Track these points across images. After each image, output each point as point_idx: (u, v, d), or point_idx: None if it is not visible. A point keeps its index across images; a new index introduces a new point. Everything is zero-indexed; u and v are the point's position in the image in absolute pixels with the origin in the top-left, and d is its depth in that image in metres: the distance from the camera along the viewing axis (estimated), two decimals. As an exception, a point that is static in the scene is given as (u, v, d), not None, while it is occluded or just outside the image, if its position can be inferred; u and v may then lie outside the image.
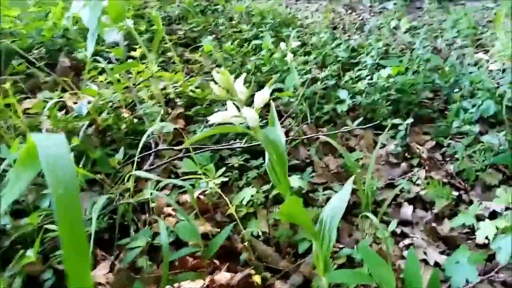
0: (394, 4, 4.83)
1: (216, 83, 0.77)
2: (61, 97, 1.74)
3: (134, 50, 2.06)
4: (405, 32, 3.96)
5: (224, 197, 1.27)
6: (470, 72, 2.74)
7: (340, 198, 0.94)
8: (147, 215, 1.30)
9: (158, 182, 1.43)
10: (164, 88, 2.05)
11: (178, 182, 1.17)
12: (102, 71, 1.91)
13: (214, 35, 3.06)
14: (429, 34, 3.89)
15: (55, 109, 1.54)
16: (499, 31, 3.68)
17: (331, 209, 0.93)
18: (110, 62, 2.08)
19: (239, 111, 0.79)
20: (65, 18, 2.06)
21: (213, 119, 0.78)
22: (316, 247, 0.91)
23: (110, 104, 1.76)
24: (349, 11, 4.78)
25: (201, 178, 1.31)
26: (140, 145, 1.22)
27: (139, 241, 1.08)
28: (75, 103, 1.83)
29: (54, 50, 2.21)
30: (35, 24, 2.26)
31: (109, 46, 2.25)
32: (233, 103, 0.80)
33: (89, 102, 1.72)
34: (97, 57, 2.20)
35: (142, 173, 1.15)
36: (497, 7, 4.80)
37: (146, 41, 2.58)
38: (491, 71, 3.10)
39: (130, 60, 1.96)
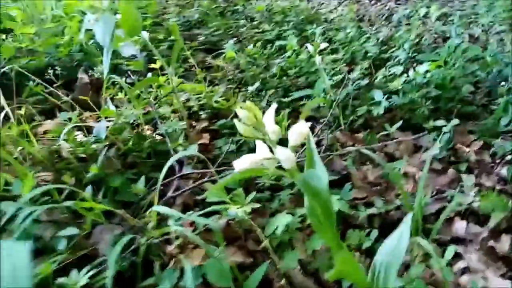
0: (422, -10, 4.58)
1: (241, 121, 0.64)
2: (80, 118, 1.66)
3: (154, 61, 1.96)
4: (436, 20, 3.72)
5: (255, 227, 1.14)
6: (515, 61, 2.50)
7: (396, 243, 0.79)
8: (173, 248, 1.19)
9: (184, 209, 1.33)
10: (187, 101, 1.94)
11: (202, 220, 1.05)
12: (122, 87, 1.81)
13: (235, 38, 2.94)
14: (463, 20, 3.63)
15: (73, 132, 1.46)
16: (540, 12, 3.41)
17: (385, 255, 0.78)
18: (129, 75, 1.98)
19: (271, 150, 0.66)
20: (80, 32, 1.97)
21: (239, 165, 0.65)
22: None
23: (130, 122, 1.66)
24: (374, 1, 4.55)
25: (229, 204, 1.19)
26: (162, 175, 1.11)
27: (163, 286, 0.97)
28: (97, 121, 1.75)
29: (72, 67, 2.13)
30: (52, 41, 2.19)
31: (128, 58, 2.16)
32: (264, 142, 0.66)
33: (109, 121, 1.64)
34: (116, 71, 2.12)
35: (162, 209, 1.04)
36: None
37: (166, 49, 2.49)
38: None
39: (149, 74, 1.87)
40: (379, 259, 0.79)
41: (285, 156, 0.63)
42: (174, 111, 1.80)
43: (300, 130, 0.65)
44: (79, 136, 1.58)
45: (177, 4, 3.37)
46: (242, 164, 0.65)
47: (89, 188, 1.17)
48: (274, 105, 0.66)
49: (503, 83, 2.17)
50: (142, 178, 1.29)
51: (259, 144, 0.68)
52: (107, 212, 1.21)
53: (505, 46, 3.00)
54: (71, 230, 1.07)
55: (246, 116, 0.63)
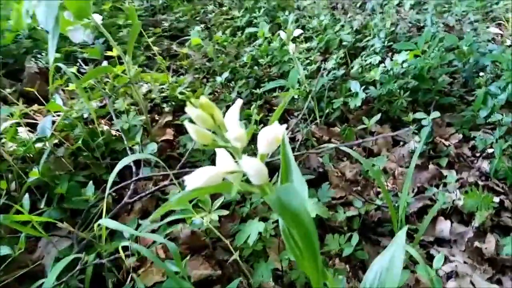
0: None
1: (193, 122, 0.48)
2: (26, 113, 1.46)
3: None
4: (410, 8, 3.65)
5: (223, 239, 1.00)
6: (491, 51, 2.44)
7: (388, 265, 0.66)
8: (129, 263, 1.03)
9: (143, 216, 1.17)
10: (149, 92, 1.77)
11: (155, 237, 0.90)
12: (75, 77, 1.62)
13: (203, 24, 2.77)
14: (437, 9, 3.58)
15: (13, 129, 1.27)
16: (512, 1, 3.39)
17: (376, 278, 0.65)
18: (81, 64, 1.79)
19: (234, 160, 0.51)
20: (27, 15, 1.76)
21: (192, 182, 0.50)
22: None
23: (84, 117, 1.48)
24: (347, -11, 4.44)
25: (193, 213, 1.04)
26: (110, 179, 0.94)
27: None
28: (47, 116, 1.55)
29: (19, 54, 1.91)
30: (-4, 25, 1.96)
31: (83, 45, 1.96)
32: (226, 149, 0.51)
33: (59, 116, 1.45)
34: (69, 60, 1.93)
35: (110, 223, 0.88)
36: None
37: (127, 35, 2.29)
38: (508, 46, 2.80)
39: (105, 62, 1.68)
40: (369, 281, 0.66)
41: (254, 169, 0.48)
42: (133, 104, 1.63)
43: (273, 135, 0.49)
44: (23, 133, 1.38)
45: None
46: (196, 181, 0.49)
47: (26, 197, 0.99)
48: (239, 101, 0.51)
49: (481, 73, 2.10)
50: (90, 183, 1.12)
51: (219, 152, 0.53)
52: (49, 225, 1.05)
53: (479, 36, 2.94)
54: (3, 249, 0.90)
55: (200, 116, 0.47)
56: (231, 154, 0.52)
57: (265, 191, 0.50)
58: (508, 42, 2.92)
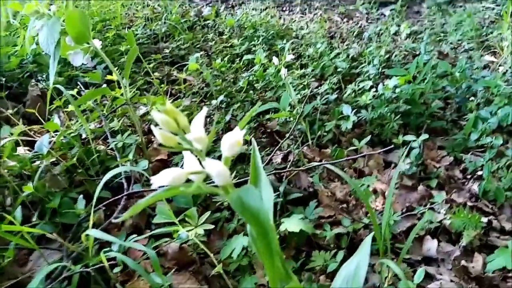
0: (391, 10, 4.64)
1: (158, 126, 0.53)
2: (25, 132, 1.52)
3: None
4: (407, 37, 3.75)
5: (208, 251, 1.02)
6: (483, 77, 2.50)
7: (354, 271, 0.68)
8: (116, 276, 1.06)
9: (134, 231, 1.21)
10: (146, 114, 1.83)
11: (145, 249, 0.93)
12: (74, 98, 1.68)
13: (203, 52, 2.86)
14: (433, 38, 3.67)
15: (10, 146, 1.31)
16: (505, 31, 3.47)
17: (342, 283, 0.68)
18: (81, 87, 1.86)
19: (200, 163, 0.55)
20: (29, 41, 1.84)
21: (157, 181, 0.54)
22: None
23: (82, 137, 1.54)
24: (346, 20, 4.58)
25: (179, 226, 1.07)
26: (96, 193, 0.98)
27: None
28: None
29: (23, 78, 1.99)
30: (4, 50, 2.05)
31: (84, 70, 2.04)
32: (191, 153, 0.56)
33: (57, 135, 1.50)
34: (71, 84, 2.00)
35: (96, 233, 0.91)
36: (498, 7, 4.59)
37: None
38: (504, 73, 2.86)
39: (104, 86, 1.74)
40: (337, 286, 0.68)
41: (216, 170, 0.52)
42: (130, 126, 1.68)
43: (233, 139, 0.54)
44: (22, 151, 1.43)
45: (144, 17, 3.27)
46: (162, 180, 0.54)
47: (19, 210, 1.03)
48: (205, 109, 0.56)
49: (472, 98, 2.15)
50: (81, 197, 1.16)
51: (186, 155, 0.57)
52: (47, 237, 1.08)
53: (474, 63, 3.01)
54: (-9, 258, 0.93)
55: (164, 120, 0.52)
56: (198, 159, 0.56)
57: (227, 191, 0.54)
58: (501, 69, 2.97)
